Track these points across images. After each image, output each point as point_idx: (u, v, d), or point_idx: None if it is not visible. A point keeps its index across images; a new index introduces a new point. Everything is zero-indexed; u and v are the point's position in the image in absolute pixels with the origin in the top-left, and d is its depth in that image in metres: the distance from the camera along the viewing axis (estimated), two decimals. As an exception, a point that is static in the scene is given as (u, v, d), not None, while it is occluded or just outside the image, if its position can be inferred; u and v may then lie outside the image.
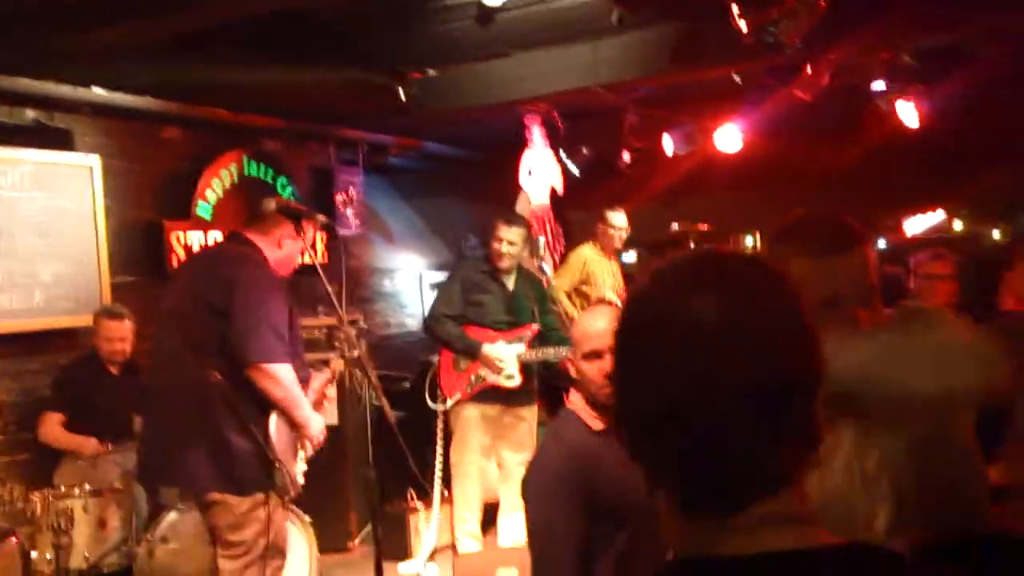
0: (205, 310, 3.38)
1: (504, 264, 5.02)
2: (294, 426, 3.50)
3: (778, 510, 0.89)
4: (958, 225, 7.15)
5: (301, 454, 3.65)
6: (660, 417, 0.91)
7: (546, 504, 2.40)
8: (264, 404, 3.41)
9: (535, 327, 5.09)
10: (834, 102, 5.58)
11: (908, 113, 5.63)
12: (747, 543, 0.88)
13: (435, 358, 5.22)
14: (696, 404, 0.88)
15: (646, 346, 0.93)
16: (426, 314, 5.15)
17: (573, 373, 2.55)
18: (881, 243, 7.59)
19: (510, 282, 5.11)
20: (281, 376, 3.36)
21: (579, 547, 2.35)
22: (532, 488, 2.46)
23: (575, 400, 2.57)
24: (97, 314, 4.80)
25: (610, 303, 3.83)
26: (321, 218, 3.70)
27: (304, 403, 3.48)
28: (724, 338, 0.88)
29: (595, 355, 2.44)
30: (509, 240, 4.95)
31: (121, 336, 4.74)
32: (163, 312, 3.68)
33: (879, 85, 5.56)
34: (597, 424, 2.49)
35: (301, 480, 3.61)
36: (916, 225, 7.36)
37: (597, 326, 2.47)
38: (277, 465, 3.38)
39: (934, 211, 7.06)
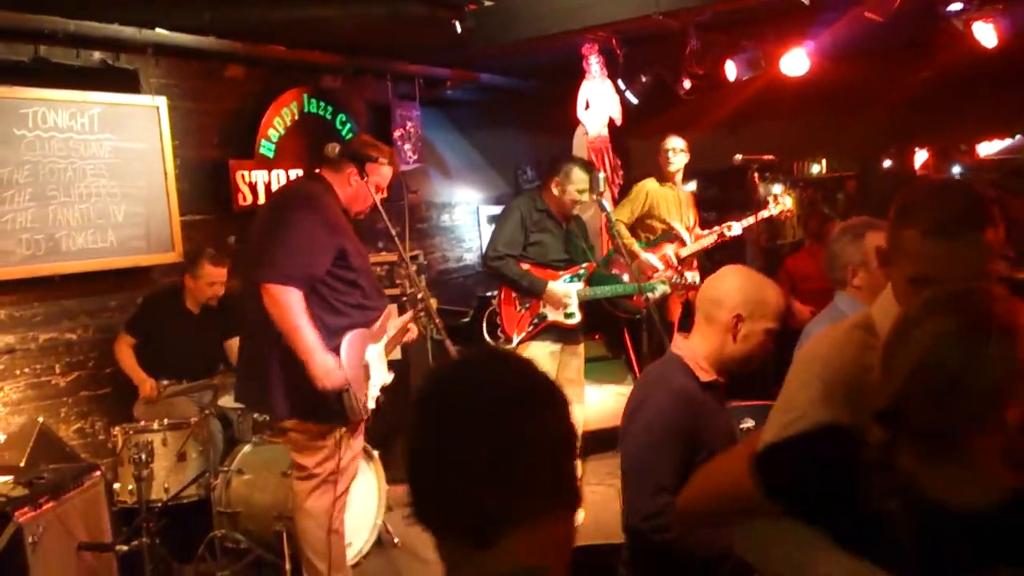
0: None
1: (573, 211, 5.03)
2: (362, 359, 3.60)
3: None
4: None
5: (377, 382, 3.74)
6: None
7: (651, 448, 2.41)
8: (335, 331, 3.52)
9: (591, 264, 5.10)
10: (907, 22, 5.35)
11: (985, 33, 5.38)
12: None
13: (492, 294, 5.25)
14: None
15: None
16: (486, 252, 5.13)
17: (738, 331, 2.45)
18: (956, 169, 7.36)
19: (563, 220, 5.11)
20: (279, 297, 3.41)
21: (675, 490, 2.38)
22: (637, 431, 2.47)
23: (684, 347, 2.54)
24: (199, 259, 4.89)
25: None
26: (383, 161, 3.73)
27: (303, 331, 3.42)
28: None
29: (772, 332, 2.46)
30: (586, 188, 4.94)
31: (222, 280, 4.90)
32: (247, 250, 3.88)
33: (955, 5, 5.31)
34: (704, 376, 2.49)
35: (372, 405, 3.72)
36: (991, 149, 7.10)
37: (781, 301, 2.48)
38: (345, 390, 3.50)
39: (1011, 135, 6.80)
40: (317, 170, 3.77)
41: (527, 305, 5.01)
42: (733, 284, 2.49)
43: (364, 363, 3.67)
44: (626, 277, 5.37)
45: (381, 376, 3.79)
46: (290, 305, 3.43)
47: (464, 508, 1.09)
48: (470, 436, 1.09)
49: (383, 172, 3.77)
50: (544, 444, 1.11)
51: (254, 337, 3.67)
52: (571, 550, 1.15)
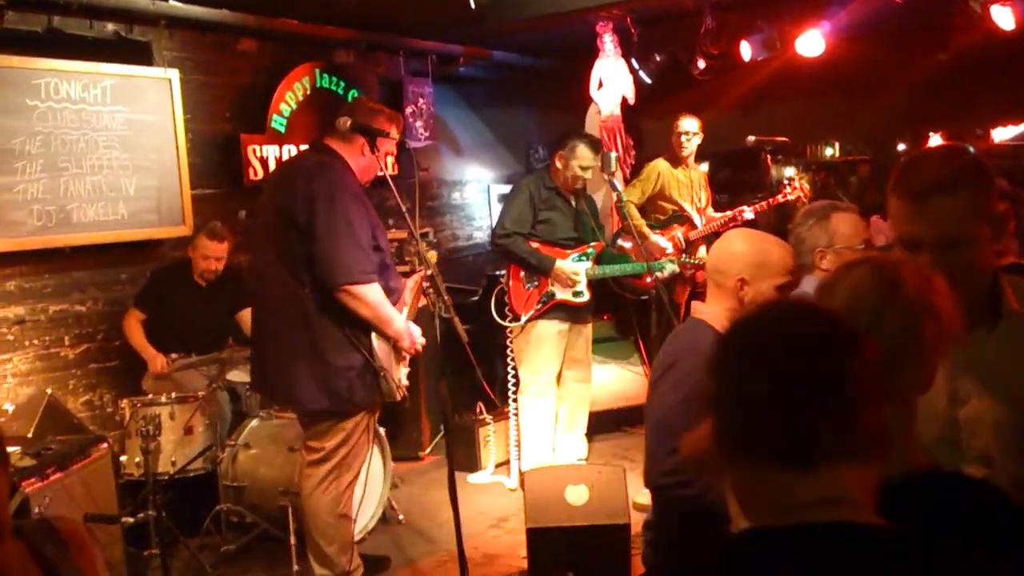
0: (291, 227, 3.44)
1: (579, 186, 5.01)
2: (389, 340, 3.56)
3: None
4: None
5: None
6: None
7: (679, 406, 2.42)
8: (366, 329, 3.46)
9: (600, 243, 5.09)
10: (924, 4, 5.29)
11: (1003, 16, 5.31)
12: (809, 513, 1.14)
13: (502, 272, 5.24)
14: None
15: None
16: (494, 230, 5.13)
17: (744, 293, 2.53)
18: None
19: (573, 199, 5.09)
20: (367, 296, 3.39)
21: None
22: (666, 389, 2.52)
23: (706, 311, 2.63)
24: (199, 232, 4.90)
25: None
26: (395, 135, 3.69)
27: (394, 318, 3.49)
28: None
29: (788, 286, 2.51)
30: (589, 165, 4.91)
31: (218, 256, 4.86)
32: (257, 226, 3.79)
33: (974, -14, 5.23)
34: None
35: (405, 382, 3.70)
36: (1006, 134, 7.02)
37: (787, 257, 2.55)
38: (382, 374, 3.48)
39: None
40: (324, 140, 3.67)
41: (535, 283, 5.01)
42: (735, 249, 2.59)
43: (394, 344, 3.61)
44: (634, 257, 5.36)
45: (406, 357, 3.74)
46: (377, 300, 3.42)
47: (799, 437, 1.16)
48: (807, 371, 1.17)
49: (392, 141, 3.74)
50: (867, 384, 1.18)
51: (276, 329, 3.56)
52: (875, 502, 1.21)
